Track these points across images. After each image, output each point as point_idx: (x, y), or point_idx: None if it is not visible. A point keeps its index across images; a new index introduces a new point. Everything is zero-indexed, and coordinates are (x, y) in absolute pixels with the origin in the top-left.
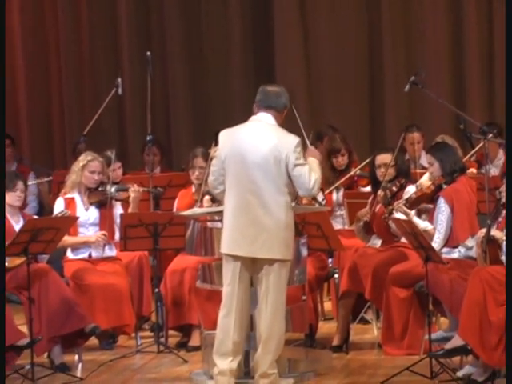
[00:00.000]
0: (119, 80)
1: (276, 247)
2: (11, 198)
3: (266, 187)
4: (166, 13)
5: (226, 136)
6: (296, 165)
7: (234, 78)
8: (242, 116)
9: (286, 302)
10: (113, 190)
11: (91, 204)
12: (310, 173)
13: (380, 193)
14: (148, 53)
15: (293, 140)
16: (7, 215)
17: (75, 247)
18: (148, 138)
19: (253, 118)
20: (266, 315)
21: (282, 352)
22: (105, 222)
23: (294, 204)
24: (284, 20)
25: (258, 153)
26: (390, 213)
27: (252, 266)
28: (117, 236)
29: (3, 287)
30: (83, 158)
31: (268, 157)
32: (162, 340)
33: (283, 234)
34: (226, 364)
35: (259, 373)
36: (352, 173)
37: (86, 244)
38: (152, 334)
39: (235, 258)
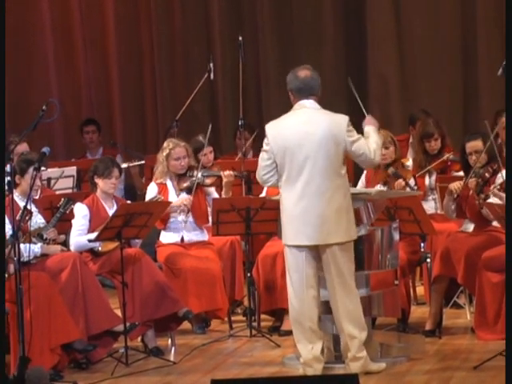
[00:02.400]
0: (211, 65)
1: (341, 230)
2: (106, 185)
3: (325, 172)
4: None
5: (275, 129)
6: (353, 142)
7: (326, 64)
8: (334, 100)
9: (378, 287)
10: (199, 175)
11: (181, 190)
12: (367, 144)
13: (472, 180)
14: (240, 38)
15: (343, 120)
16: (101, 200)
17: (163, 218)
18: (240, 123)
19: (296, 106)
20: (341, 299)
21: (375, 336)
22: (196, 208)
23: (385, 189)
24: (377, 3)
25: (314, 139)
26: (484, 199)
27: (317, 251)
28: (209, 221)
29: (3, 287)
30: (166, 147)
31: (324, 141)
32: (255, 324)
33: (345, 216)
34: (308, 352)
35: (349, 357)
36: (445, 157)
37: (171, 208)
38: (244, 318)
39: (300, 246)
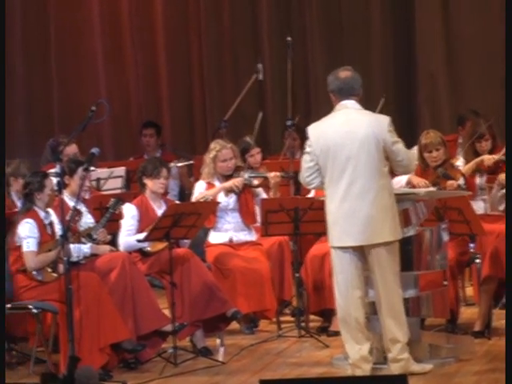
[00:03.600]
0: (260, 65)
1: (386, 230)
2: (155, 185)
3: (368, 172)
4: None
5: (316, 130)
6: (393, 143)
7: (374, 65)
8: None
9: (427, 287)
10: (246, 176)
11: (228, 191)
12: (406, 150)
13: None
14: (288, 38)
15: (384, 119)
16: (149, 201)
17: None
18: (288, 123)
19: (338, 107)
20: (384, 299)
21: (424, 337)
22: (243, 209)
23: (435, 189)
24: (425, 3)
25: (356, 139)
26: None
27: (362, 252)
28: (258, 221)
29: (3, 287)
30: (212, 148)
31: (366, 140)
32: (303, 325)
33: (390, 216)
34: (356, 353)
35: (390, 358)
36: (496, 158)
37: (221, 190)
38: (293, 318)
39: (345, 248)
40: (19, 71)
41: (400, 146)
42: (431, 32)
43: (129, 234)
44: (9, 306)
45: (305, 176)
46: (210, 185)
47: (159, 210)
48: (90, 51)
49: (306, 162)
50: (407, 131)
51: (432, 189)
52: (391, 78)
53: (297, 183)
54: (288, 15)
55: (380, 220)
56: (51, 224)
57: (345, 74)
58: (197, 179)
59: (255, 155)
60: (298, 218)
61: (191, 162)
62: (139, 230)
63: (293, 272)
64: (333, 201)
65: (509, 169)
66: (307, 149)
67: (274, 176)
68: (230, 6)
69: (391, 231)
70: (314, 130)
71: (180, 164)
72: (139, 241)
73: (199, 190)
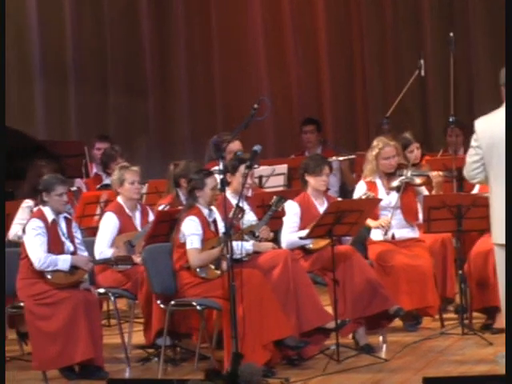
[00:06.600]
0: (422, 61)
1: None
2: (317, 182)
3: None
4: None
5: (483, 124)
6: None
7: None
8: None
9: None
10: (409, 174)
11: (390, 189)
12: None
13: None
14: (451, 34)
15: None
16: (311, 198)
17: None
18: (451, 119)
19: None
20: None
21: None
22: (405, 206)
23: None
24: None
25: None
26: None
27: None
28: (420, 218)
29: (3, 284)
30: (375, 146)
31: None
32: (466, 322)
33: None
34: None
35: None
36: None
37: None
38: (456, 315)
39: None
40: (183, 72)
41: None
42: None
43: (291, 232)
44: (173, 302)
45: (469, 170)
46: (371, 184)
47: (321, 207)
48: (252, 51)
49: (471, 156)
50: None
51: None
52: None
53: (460, 180)
54: (451, 11)
55: None
56: (214, 221)
57: None
58: (359, 175)
59: (414, 151)
60: (461, 215)
61: (353, 156)
62: (301, 227)
63: (456, 269)
64: (497, 197)
65: (508, 168)
66: (473, 143)
67: (436, 175)
68: (392, 3)
69: None
70: (481, 124)
71: (341, 158)
72: (301, 238)
73: (359, 192)
